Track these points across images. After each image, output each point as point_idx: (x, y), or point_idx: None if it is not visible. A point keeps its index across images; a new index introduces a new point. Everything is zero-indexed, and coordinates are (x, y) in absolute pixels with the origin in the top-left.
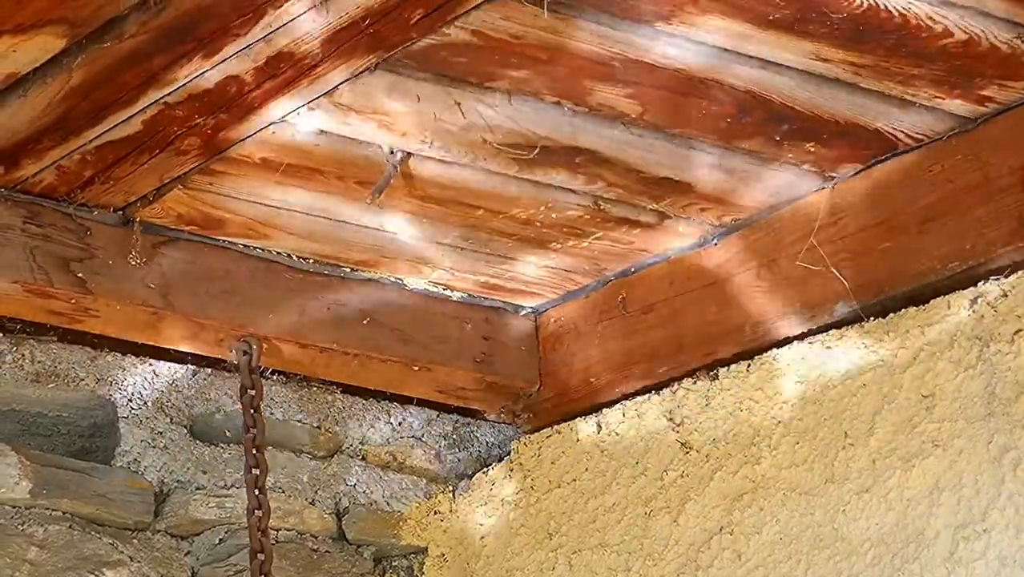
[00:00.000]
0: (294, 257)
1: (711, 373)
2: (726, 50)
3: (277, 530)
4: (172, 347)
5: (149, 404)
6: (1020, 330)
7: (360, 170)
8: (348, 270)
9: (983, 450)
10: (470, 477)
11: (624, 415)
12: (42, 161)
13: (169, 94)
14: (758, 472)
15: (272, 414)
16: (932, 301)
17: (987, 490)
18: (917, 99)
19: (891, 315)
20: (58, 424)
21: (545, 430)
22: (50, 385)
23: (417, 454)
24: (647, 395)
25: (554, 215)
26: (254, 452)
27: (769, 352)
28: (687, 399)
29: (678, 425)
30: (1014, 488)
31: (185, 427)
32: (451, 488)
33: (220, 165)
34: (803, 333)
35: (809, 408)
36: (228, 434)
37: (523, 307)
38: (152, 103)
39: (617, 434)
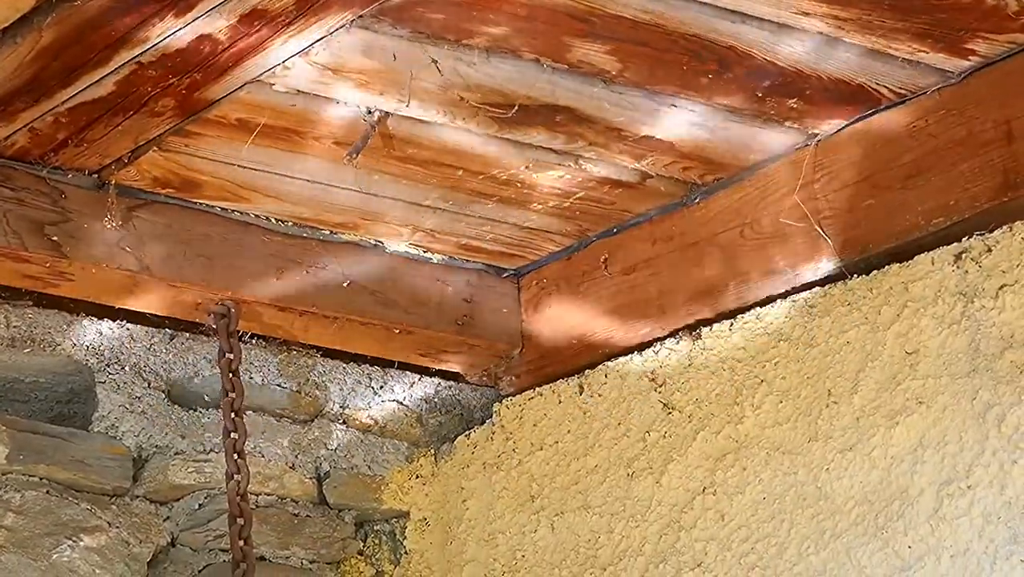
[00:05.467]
0: (272, 220)
1: (694, 333)
2: (706, 4)
3: (257, 495)
4: (149, 311)
5: (127, 369)
6: (1004, 285)
7: (337, 130)
8: (327, 232)
9: (967, 407)
10: (452, 440)
11: (606, 376)
12: (14, 123)
13: (141, 54)
14: (741, 432)
15: (251, 378)
16: (916, 257)
17: (971, 447)
18: (900, 53)
19: (875, 272)
20: (35, 389)
21: (527, 392)
22: (26, 350)
23: (398, 417)
24: (629, 356)
25: (535, 175)
26: (233, 416)
27: (752, 311)
28: (670, 359)
29: (660, 386)
30: (998, 444)
31: (163, 392)
32: (433, 451)
33: (196, 126)
34: (786, 291)
35: (792, 367)
36: (207, 398)
37: (505, 269)
38: (124, 63)
39: (599, 396)
